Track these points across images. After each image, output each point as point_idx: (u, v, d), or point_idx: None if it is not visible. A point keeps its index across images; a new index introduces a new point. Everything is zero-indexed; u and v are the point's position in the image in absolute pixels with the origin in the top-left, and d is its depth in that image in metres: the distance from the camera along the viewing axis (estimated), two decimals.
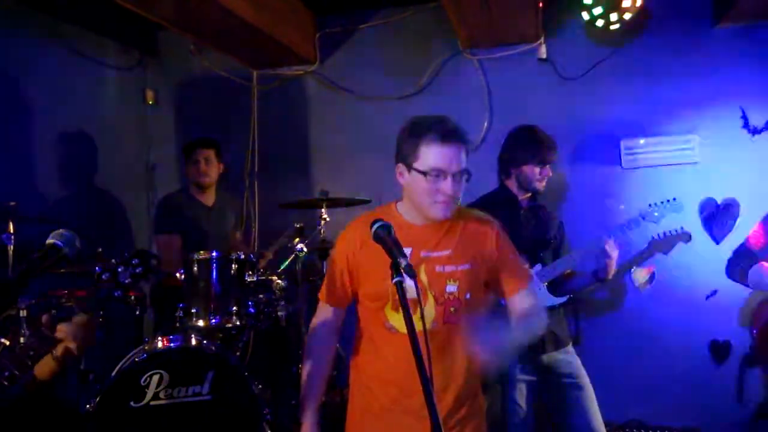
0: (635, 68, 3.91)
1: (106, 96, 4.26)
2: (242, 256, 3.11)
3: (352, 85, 4.33)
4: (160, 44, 4.62)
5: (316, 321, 2.07)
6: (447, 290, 1.88)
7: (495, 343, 1.76)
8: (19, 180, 3.50)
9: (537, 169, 2.72)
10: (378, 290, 1.89)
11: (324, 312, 2.06)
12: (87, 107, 4.03)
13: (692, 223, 3.79)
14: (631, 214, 2.82)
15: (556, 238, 2.84)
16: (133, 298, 3.16)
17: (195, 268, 3.00)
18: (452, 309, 1.89)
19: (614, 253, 2.61)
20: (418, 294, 1.56)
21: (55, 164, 3.76)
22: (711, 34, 3.84)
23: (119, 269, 1.63)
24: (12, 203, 2.80)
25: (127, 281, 1.64)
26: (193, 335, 2.87)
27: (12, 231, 2.76)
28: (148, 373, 2.54)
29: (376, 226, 1.67)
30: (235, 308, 3.00)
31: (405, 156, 1.86)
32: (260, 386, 3.06)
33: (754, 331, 2.79)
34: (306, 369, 2.03)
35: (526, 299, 2.00)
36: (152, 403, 2.54)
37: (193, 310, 2.95)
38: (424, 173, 1.80)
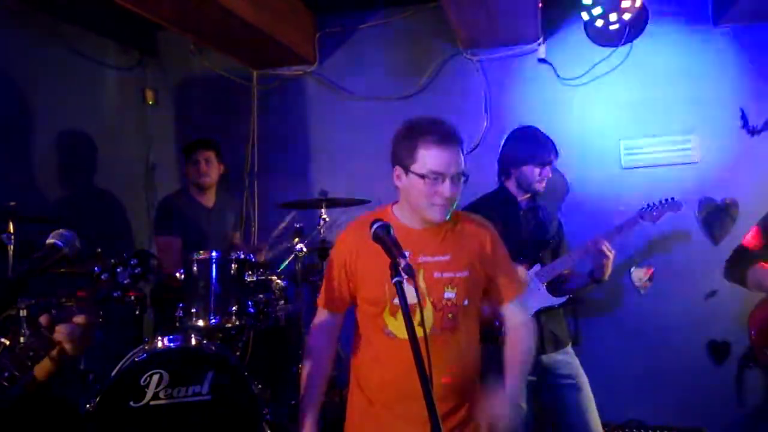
0: (635, 68, 3.92)
1: (106, 96, 4.26)
2: (242, 256, 3.11)
3: (351, 86, 4.33)
4: (160, 44, 4.62)
5: (315, 326, 2.07)
6: (445, 296, 1.88)
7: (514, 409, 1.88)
8: (19, 180, 3.50)
9: (537, 171, 2.72)
10: (376, 295, 1.89)
11: (323, 317, 2.06)
12: (87, 107, 4.03)
13: (691, 223, 3.80)
14: (629, 214, 2.82)
15: (555, 238, 2.84)
16: (132, 298, 3.15)
17: (195, 268, 3.00)
18: (450, 315, 1.89)
19: (611, 254, 2.61)
20: (418, 296, 1.56)
21: (55, 164, 3.76)
22: (711, 34, 3.85)
23: (118, 270, 1.63)
24: (12, 203, 2.80)
25: (125, 282, 1.64)
26: (192, 335, 2.88)
27: (12, 231, 2.75)
28: (148, 373, 2.55)
29: (375, 225, 1.67)
30: (234, 308, 3.00)
31: (402, 159, 1.85)
32: (260, 386, 3.06)
33: (752, 332, 2.79)
34: (305, 373, 2.03)
35: (519, 311, 2.04)
36: (152, 403, 2.54)
37: (193, 310, 2.95)
38: (423, 176, 1.80)
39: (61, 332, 1.50)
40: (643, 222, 2.80)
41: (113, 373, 2.64)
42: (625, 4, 3.42)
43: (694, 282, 3.77)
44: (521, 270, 2.63)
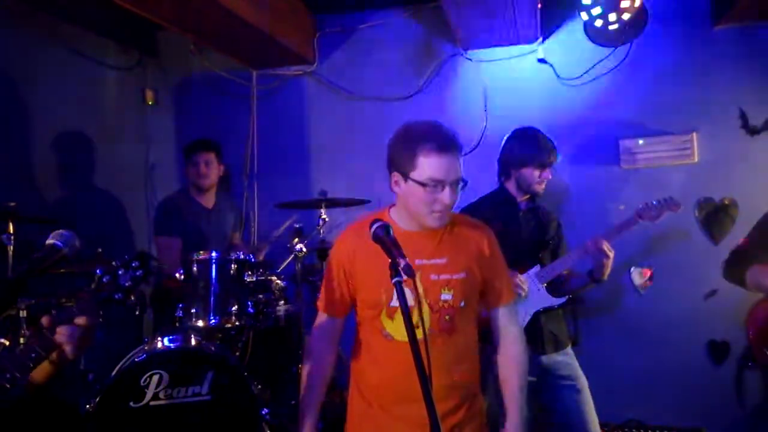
0: (634, 68, 3.92)
1: (105, 96, 4.26)
2: (242, 257, 3.11)
3: (351, 86, 4.33)
4: (159, 44, 4.62)
5: (315, 330, 2.07)
6: (442, 298, 1.89)
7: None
8: (19, 180, 3.50)
9: (537, 172, 2.72)
10: (373, 297, 1.90)
11: (323, 321, 2.05)
12: (87, 107, 4.03)
13: (690, 223, 3.80)
14: (628, 214, 2.82)
15: (555, 238, 2.84)
16: (132, 298, 3.15)
17: (194, 269, 3.00)
18: (447, 317, 1.89)
19: (611, 253, 2.61)
20: (418, 297, 1.57)
21: (55, 164, 3.76)
22: (710, 34, 3.85)
23: (119, 272, 1.63)
24: (12, 203, 2.80)
25: (127, 284, 1.63)
26: (192, 335, 2.88)
27: (11, 231, 2.76)
28: (148, 374, 2.55)
29: (375, 226, 1.67)
30: (234, 308, 3.00)
31: (401, 165, 1.83)
32: (259, 386, 3.07)
33: (750, 331, 2.79)
34: (306, 376, 2.03)
35: (512, 317, 2.05)
36: (152, 403, 2.54)
37: (193, 311, 2.95)
38: (423, 184, 1.79)
39: (62, 333, 1.50)
40: (643, 222, 2.79)
41: (113, 374, 2.64)
42: (624, 4, 3.42)
43: (694, 282, 3.77)
44: (519, 277, 2.63)
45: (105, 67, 4.24)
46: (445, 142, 1.79)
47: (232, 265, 3.05)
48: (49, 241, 1.73)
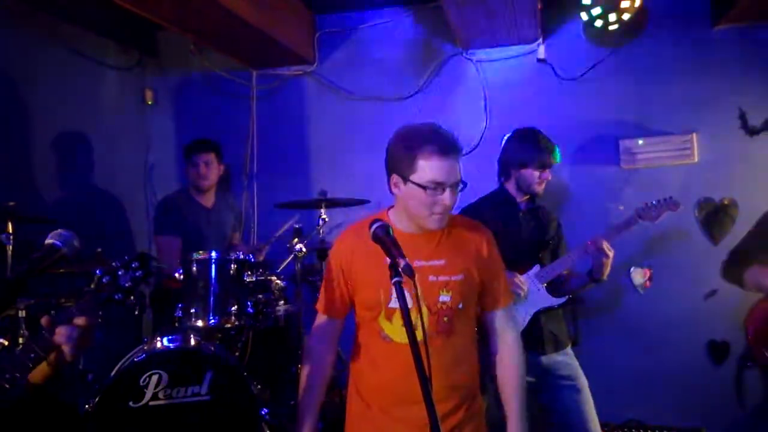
0: (634, 68, 3.92)
1: (105, 96, 4.26)
2: (241, 257, 3.11)
3: (351, 86, 4.33)
4: (159, 44, 4.62)
5: (314, 331, 2.07)
6: (440, 300, 1.88)
7: None
8: (18, 180, 3.50)
9: (537, 173, 2.72)
10: (371, 299, 1.90)
11: (322, 322, 2.05)
12: (86, 107, 4.03)
13: (690, 223, 3.80)
14: (628, 214, 2.82)
15: (555, 238, 2.84)
16: (132, 298, 3.15)
17: (194, 269, 2.99)
18: (445, 318, 1.89)
19: (611, 253, 2.61)
20: (417, 299, 1.56)
21: (55, 164, 3.76)
22: (710, 34, 3.85)
23: (119, 273, 1.63)
24: (11, 203, 2.80)
25: (127, 284, 1.64)
26: (192, 335, 2.88)
27: (11, 231, 2.76)
28: (147, 374, 2.54)
29: (375, 226, 1.68)
30: (234, 308, 3.00)
31: (401, 168, 1.83)
32: (259, 386, 3.06)
33: (748, 332, 2.79)
34: (305, 377, 2.03)
35: (510, 319, 2.04)
36: (151, 403, 2.53)
37: (192, 311, 2.95)
38: (424, 187, 1.79)
39: (61, 334, 1.49)
40: (642, 221, 2.79)
41: (112, 374, 2.64)
42: (624, 4, 3.42)
43: (694, 282, 3.77)
44: (519, 277, 2.63)
45: (105, 67, 4.24)
46: (445, 144, 1.79)
47: (232, 265, 3.05)
48: (49, 241, 1.73)
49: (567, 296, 2.75)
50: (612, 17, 3.48)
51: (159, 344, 2.77)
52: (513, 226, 2.74)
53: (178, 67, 4.59)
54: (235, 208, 4.06)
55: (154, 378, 2.55)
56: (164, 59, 4.62)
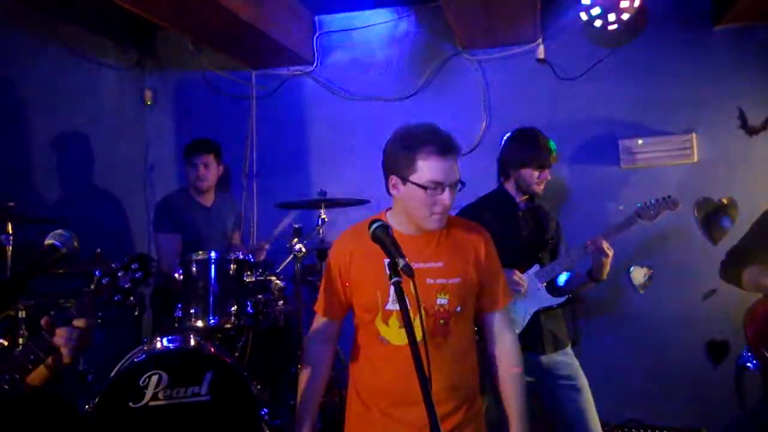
0: (633, 68, 3.92)
1: (104, 96, 4.26)
2: (241, 257, 3.11)
3: (350, 86, 4.33)
4: (158, 44, 4.61)
5: (312, 332, 2.07)
6: (437, 302, 1.88)
7: None
8: (18, 180, 3.50)
9: (536, 173, 2.72)
10: (368, 301, 1.90)
11: (320, 324, 2.05)
12: (85, 107, 4.03)
13: (690, 223, 3.80)
14: (627, 213, 2.82)
15: (554, 238, 2.84)
16: (132, 299, 3.15)
17: (193, 269, 3.00)
18: (442, 321, 1.89)
19: (610, 252, 2.61)
20: (417, 296, 1.56)
21: (54, 164, 3.76)
22: (710, 34, 3.85)
23: (119, 274, 1.63)
24: (11, 203, 2.80)
25: (126, 286, 1.63)
26: (191, 336, 2.88)
27: (10, 231, 2.75)
28: (147, 374, 2.54)
29: (374, 225, 1.68)
30: (233, 309, 3.00)
31: (399, 168, 1.84)
32: (259, 386, 3.06)
33: (748, 331, 2.79)
34: (303, 379, 2.03)
35: (507, 321, 2.05)
36: (151, 403, 2.54)
37: (192, 311, 2.95)
38: (423, 187, 1.79)
39: (60, 335, 1.49)
40: (642, 221, 2.79)
41: (112, 374, 2.64)
42: (623, 4, 3.42)
43: (693, 282, 3.77)
44: (518, 274, 2.63)
45: (104, 67, 4.24)
46: (444, 144, 1.80)
47: (231, 266, 3.05)
48: (48, 241, 1.73)
49: (566, 296, 2.75)
50: (611, 17, 3.47)
51: (159, 344, 2.77)
52: (512, 226, 2.74)
53: (178, 67, 4.59)
54: (235, 208, 4.06)
55: (154, 378, 2.55)
56: (163, 59, 4.62)
